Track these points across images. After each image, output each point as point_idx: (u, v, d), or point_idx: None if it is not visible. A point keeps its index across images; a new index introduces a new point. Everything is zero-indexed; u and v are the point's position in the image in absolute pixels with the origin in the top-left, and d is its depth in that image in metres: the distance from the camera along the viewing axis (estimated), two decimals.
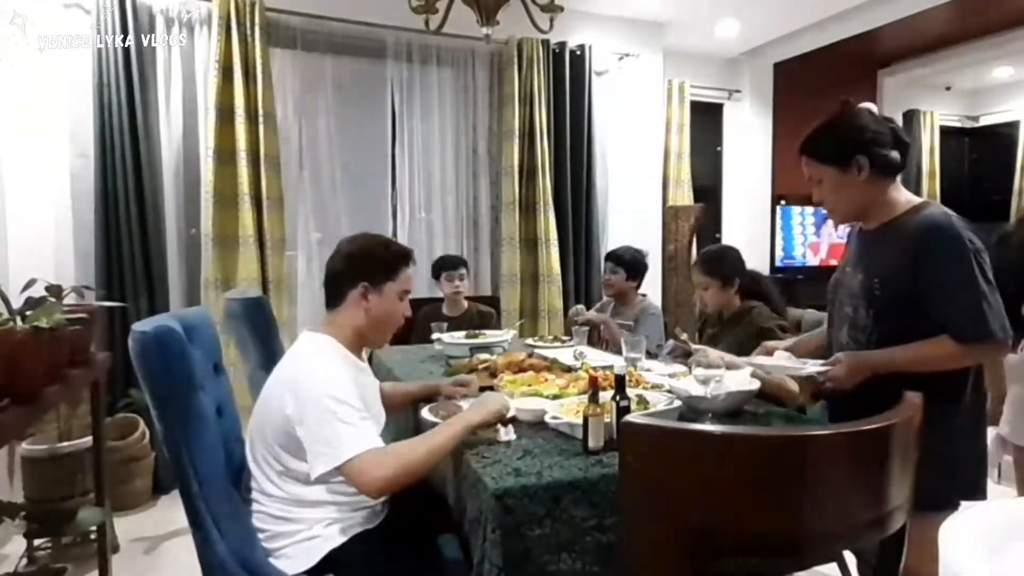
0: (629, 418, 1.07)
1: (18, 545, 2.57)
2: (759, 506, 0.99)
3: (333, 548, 1.48)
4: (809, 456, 1.00)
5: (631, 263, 3.21)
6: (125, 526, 2.93)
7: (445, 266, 3.45)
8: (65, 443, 2.69)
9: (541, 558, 1.27)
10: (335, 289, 1.65)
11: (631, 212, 4.77)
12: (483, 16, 2.52)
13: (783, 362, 1.77)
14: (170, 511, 3.06)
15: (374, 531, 1.55)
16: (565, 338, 3.08)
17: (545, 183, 4.29)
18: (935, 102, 6.79)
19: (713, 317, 2.62)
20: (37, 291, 1.75)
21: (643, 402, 1.69)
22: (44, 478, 2.68)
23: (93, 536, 2.37)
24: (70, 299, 1.90)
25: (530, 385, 1.99)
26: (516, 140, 4.20)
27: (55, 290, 1.79)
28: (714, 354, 1.74)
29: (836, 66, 5.68)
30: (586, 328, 2.98)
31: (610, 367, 2.02)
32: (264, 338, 2.31)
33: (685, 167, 5.26)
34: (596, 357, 2.57)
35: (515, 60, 4.20)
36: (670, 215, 5.03)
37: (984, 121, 7.12)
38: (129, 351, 1.45)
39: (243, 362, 2.52)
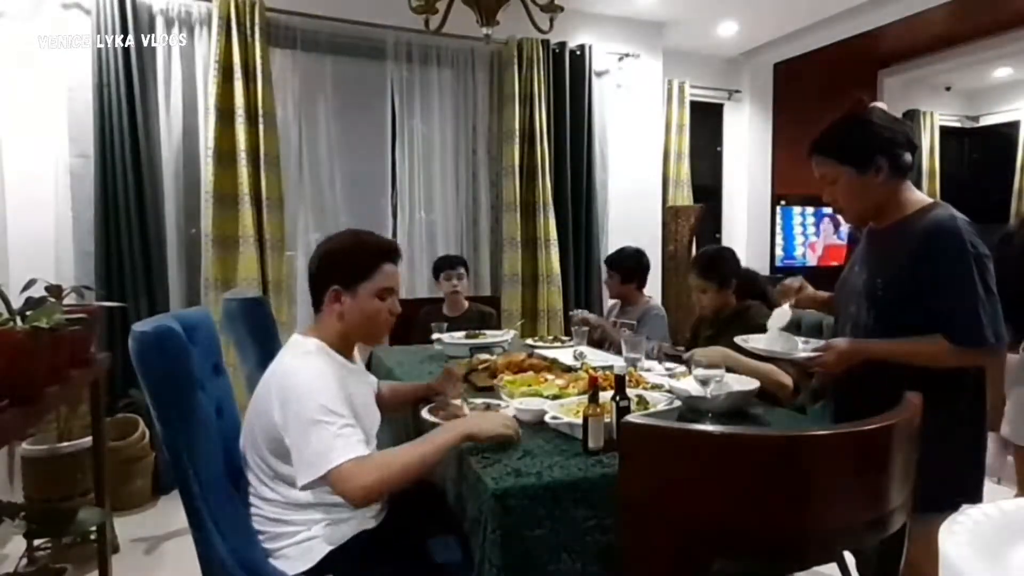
0: (629, 418, 1.07)
1: (18, 545, 2.56)
2: (759, 506, 0.99)
3: (333, 548, 1.47)
4: (809, 456, 1.00)
5: (625, 267, 3.23)
6: (125, 526, 2.93)
7: (444, 266, 3.46)
8: (65, 443, 2.69)
9: (541, 558, 1.27)
10: (313, 291, 1.62)
11: (631, 212, 4.77)
12: (483, 16, 2.52)
13: (777, 346, 1.76)
14: (170, 511, 3.06)
15: (374, 532, 1.54)
16: (565, 338, 3.09)
17: (545, 183, 4.29)
18: (935, 102, 6.79)
19: (710, 318, 2.62)
20: (37, 291, 1.74)
21: (643, 402, 1.69)
22: (44, 478, 2.67)
23: (93, 536, 2.36)
24: (70, 299, 1.90)
25: (530, 385, 1.98)
26: (516, 140, 4.21)
27: (55, 290, 1.78)
28: (713, 351, 1.74)
29: (836, 66, 5.67)
30: (586, 328, 2.98)
31: (610, 367, 2.02)
32: (263, 339, 2.30)
33: (685, 167, 5.26)
34: (596, 357, 2.57)
35: (515, 60, 4.20)
36: (670, 215, 5.03)
37: (984, 121, 7.11)
38: (129, 351, 1.44)
39: (242, 362, 2.52)
